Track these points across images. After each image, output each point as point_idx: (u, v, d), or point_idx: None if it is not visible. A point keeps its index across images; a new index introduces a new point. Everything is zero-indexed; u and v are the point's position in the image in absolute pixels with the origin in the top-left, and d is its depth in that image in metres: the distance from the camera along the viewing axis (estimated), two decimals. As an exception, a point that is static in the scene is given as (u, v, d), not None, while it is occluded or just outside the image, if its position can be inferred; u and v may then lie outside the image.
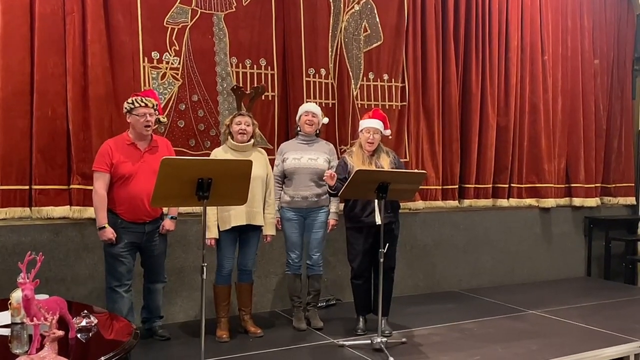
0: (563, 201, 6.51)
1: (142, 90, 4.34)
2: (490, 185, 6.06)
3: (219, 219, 4.07)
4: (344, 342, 4.07)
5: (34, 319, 2.16)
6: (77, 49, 4.22)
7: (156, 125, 4.01)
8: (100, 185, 3.77)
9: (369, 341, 3.98)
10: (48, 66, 4.15)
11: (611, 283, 6.40)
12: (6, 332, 2.50)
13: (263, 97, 4.77)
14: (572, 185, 6.55)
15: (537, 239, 6.41)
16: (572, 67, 6.50)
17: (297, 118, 4.51)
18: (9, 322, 2.61)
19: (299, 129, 4.46)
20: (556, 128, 6.39)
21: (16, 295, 2.56)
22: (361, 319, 4.39)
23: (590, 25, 6.64)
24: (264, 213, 4.18)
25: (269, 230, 4.23)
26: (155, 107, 3.89)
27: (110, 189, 3.81)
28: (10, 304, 2.63)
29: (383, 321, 4.12)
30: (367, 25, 5.40)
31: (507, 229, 6.20)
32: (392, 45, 5.48)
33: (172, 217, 4.08)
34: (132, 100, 3.83)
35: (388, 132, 4.39)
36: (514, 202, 6.21)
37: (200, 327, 3.18)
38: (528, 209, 6.32)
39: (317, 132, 4.49)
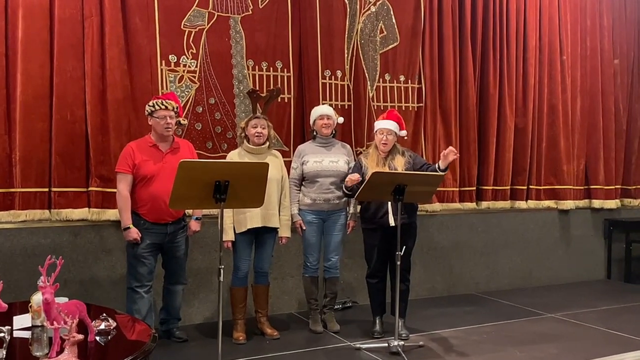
0: (582, 203, 6.43)
1: (161, 93, 4.37)
2: (509, 187, 6.00)
3: (234, 221, 4.09)
4: (361, 345, 4.06)
5: (54, 322, 2.18)
6: (95, 53, 4.27)
7: (176, 127, 4.04)
8: (123, 186, 3.83)
9: (386, 344, 3.96)
10: (67, 70, 4.20)
11: (632, 286, 6.30)
12: (27, 334, 2.53)
13: (279, 99, 4.79)
14: (592, 186, 6.47)
15: (556, 241, 6.33)
16: (591, 67, 6.42)
17: (311, 122, 4.50)
18: (30, 325, 2.64)
19: (315, 132, 4.46)
20: (575, 129, 6.32)
21: (36, 298, 2.59)
22: (378, 321, 4.37)
23: (609, 24, 6.55)
24: (279, 215, 4.19)
25: (284, 232, 4.24)
26: (175, 109, 3.94)
27: (132, 190, 3.86)
28: (30, 306, 2.66)
29: (400, 323, 4.11)
30: (383, 26, 5.38)
31: (525, 231, 6.14)
32: (408, 46, 5.45)
33: (196, 218, 4.14)
34: (153, 103, 3.89)
35: (404, 133, 4.36)
36: (532, 204, 6.15)
37: (217, 329, 3.19)
38: (547, 211, 6.25)
39: (334, 133, 4.49)
